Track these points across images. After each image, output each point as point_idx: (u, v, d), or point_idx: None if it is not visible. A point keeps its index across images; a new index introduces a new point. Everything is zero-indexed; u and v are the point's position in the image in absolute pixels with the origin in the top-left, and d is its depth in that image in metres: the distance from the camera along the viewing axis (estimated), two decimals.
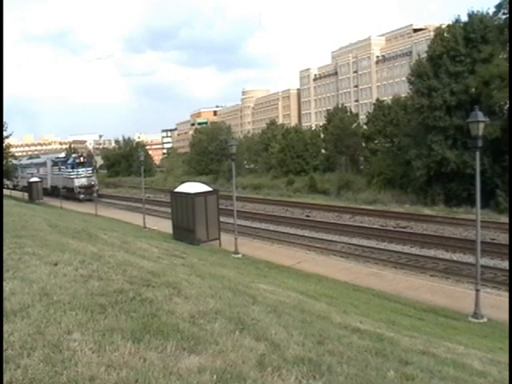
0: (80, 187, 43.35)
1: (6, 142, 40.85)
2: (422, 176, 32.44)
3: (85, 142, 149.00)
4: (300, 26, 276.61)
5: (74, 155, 53.00)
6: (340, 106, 61.47)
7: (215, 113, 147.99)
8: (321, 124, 65.29)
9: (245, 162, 63.22)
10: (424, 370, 3.92)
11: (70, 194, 44.22)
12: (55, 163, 49.93)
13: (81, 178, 44.22)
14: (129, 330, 3.55)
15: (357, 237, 22.67)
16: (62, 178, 46.74)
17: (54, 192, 45.22)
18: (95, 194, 44.42)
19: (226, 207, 26.77)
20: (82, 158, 47.28)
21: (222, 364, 3.18)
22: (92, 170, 47.39)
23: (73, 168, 44.97)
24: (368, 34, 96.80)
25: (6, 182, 52.62)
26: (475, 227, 11.80)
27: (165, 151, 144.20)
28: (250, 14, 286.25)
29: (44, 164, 52.89)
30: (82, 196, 42.51)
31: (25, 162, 62.18)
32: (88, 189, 43.64)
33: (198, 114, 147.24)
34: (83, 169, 45.04)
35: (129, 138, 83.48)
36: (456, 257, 18.35)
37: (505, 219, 23.25)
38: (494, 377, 4.48)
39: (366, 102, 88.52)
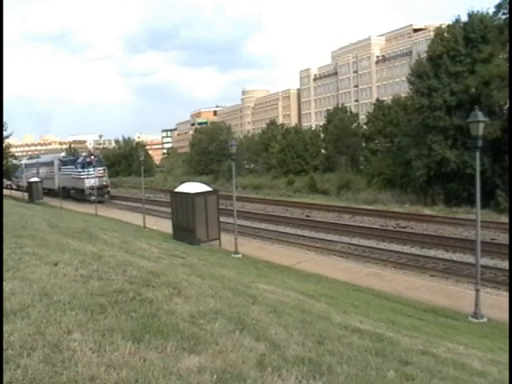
0: (91, 188, 39.75)
1: (6, 141, 40.66)
2: (421, 176, 32.43)
3: (85, 141, 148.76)
4: (300, 26, 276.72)
5: (83, 154, 49.46)
6: (340, 105, 61.44)
7: (215, 113, 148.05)
8: (321, 124, 65.28)
9: (245, 161, 63.19)
10: (424, 370, 3.92)
11: (80, 195, 42.11)
12: (63, 163, 47.53)
13: (92, 178, 41.08)
14: (129, 330, 3.55)
15: (357, 237, 22.66)
16: (70, 178, 44.26)
17: (62, 193, 42.02)
18: (107, 196, 42.37)
19: (226, 207, 26.77)
20: (92, 157, 44.32)
21: (222, 364, 3.18)
22: (103, 169, 44.37)
23: (83, 168, 42.40)
24: (368, 33, 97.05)
25: (7, 182, 52.03)
26: (475, 227, 11.79)
27: (165, 151, 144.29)
28: (249, 14, 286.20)
29: (51, 163, 50.48)
30: (93, 198, 37.55)
31: (30, 161, 60.54)
32: (100, 190, 40.50)
33: (198, 114, 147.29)
34: (94, 168, 42.15)
35: (129, 138, 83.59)
36: (456, 257, 18.34)
37: (505, 219, 23.24)
38: (493, 377, 4.48)
39: (366, 101, 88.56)
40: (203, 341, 3.56)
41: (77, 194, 42.98)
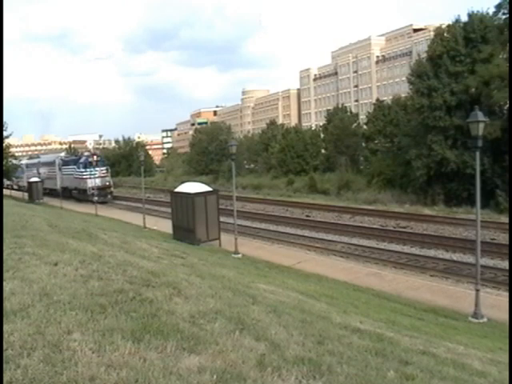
0: (93, 188, 38.73)
1: (6, 141, 40.54)
2: (421, 176, 32.43)
3: (85, 142, 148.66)
4: (300, 26, 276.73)
5: (86, 153, 48.70)
6: (340, 105, 61.44)
7: (215, 113, 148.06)
8: (321, 124, 65.28)
9: (245, 161, 63.17)
10: (424, 370, 3.92)
11: (82, 195, 41.53)
12: (65, 163, 46.69)
13: (94, 178, 40.70)
14: (129, 330, 3.55)
15: (357, 237, 22.66)
16: (73, 178, 43.59)
17: (63, 193, 41.52)
18: (110, 196, 41.89)
19: (226, 207, 26.77)
20: (95, 157, 43.80)
21: (222, 364, 3.18)
22: (106, 169, 43.77)
23: (85, 167, 41.77)
24: (368, 33, 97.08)
25: (7, 182, 51.85)
26: (475, 227, 11.80)
27: (165, 151, 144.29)
28: (250, 14, 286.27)
29: (52, 163, 49.83)
30: (96, 198, 35.64)
31: (30, 161, 60.00)
32: (102, 190, 40.06)
33: (198, 114, 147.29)
34: (97, 168, 41.70)
35: (129, 138, 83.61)
36: (456, 257, 18.34)
37: (505, 219, 23.24)
38: (493, 377, 4.48)
39: (365, 102, 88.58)
40: (203, 341, 3.56)
41: (79, 195, 42.51)
